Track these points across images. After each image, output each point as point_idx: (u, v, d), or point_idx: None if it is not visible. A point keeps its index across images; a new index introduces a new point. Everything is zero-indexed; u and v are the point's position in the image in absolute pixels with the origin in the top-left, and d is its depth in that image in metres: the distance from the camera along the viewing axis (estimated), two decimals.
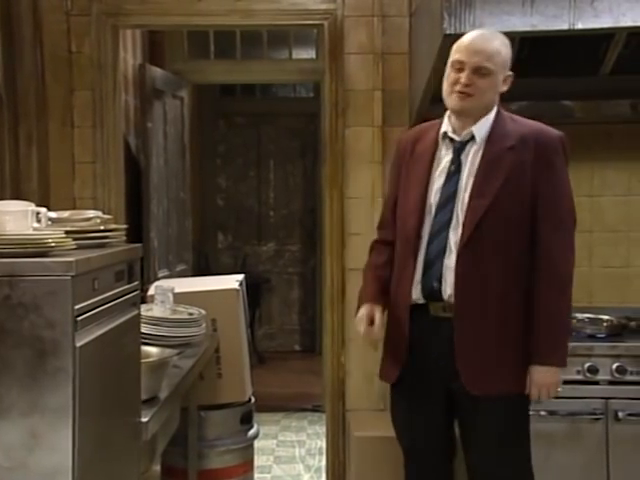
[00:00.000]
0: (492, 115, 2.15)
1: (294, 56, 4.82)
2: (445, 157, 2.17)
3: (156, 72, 4.14)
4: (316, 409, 4.78)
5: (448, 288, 2.09)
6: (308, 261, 6.82)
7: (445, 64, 2.74)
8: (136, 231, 3.89)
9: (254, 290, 6.21)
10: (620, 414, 2.61)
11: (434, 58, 2.74)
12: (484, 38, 2.11)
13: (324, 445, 3.58)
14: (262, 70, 4.80)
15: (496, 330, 2.08)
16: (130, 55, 4.02)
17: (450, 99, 2.12)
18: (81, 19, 3.28)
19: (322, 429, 3.92)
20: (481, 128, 2.13)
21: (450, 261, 2.09)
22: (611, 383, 2.64)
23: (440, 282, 2.10)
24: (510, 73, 2.14)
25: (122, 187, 3.41)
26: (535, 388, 2.09)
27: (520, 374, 2.10)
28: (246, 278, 3.00)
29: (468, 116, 2.13)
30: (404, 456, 2.32)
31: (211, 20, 3.34)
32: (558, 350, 2.10)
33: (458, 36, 2.52)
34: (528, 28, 2.49)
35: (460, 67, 2.09)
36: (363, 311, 2.22)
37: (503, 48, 2.11)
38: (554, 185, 2.10)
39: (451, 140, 2.17)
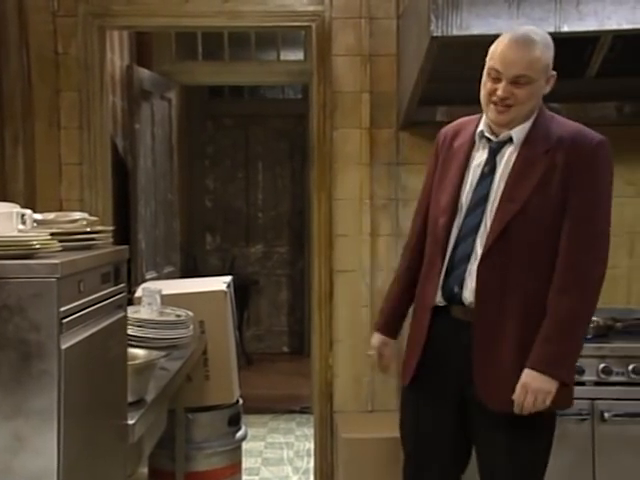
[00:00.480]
0: (533, 117, 2.01)
1: (282, 58, 4.82)
2: (480, 157, 2.05)
3: (144, 73, 4.13)
4: (304, 411, 4.78)
5: (469, 294, 1.99)
6: (296, 263, 6.82)
7: (432, 66, 2.76)
8: (123, 233, 3.88)
9: (242, 292, 6.20)
10: (606, 414, 2.63)
11: (421, 60, 2.75)
12: (522, 44, 1.93)
13: (312, 447, 3.58)
14: (250, 72, 4.80)
15: (516, 345, 1.94)
16: (117, 56, 4.00)
17: (488, 109, 2.00)
18: (67, 20, 3.27)
19: (310, 431, 3.92)
20: (520, 131, 2.00)
21: (474, 267, 1.98)
22: (597, 384, 2.66)
23: (461, 287, 2.00)
24: (553, 73, 1.99)
25: (109, 189, 3.40)
26: (521, 389, 1.91)
27: None
28: (234, 280, 2.99)
29: (509, 126, 2.00)
30: (404, 460, 2.19)
31: (198, 21, 3.34)
32: (560, 362, 1.93)
33: (445, 38, 2.54)
34: None
35: (497, 77, 1.95)
36: (375, 342, 2.22)
37: (543, 52, 1.95)
38: (587, 193, 1.94)
39: (488, 139, 2.04)
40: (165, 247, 4.41)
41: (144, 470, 2.75)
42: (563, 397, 1.96)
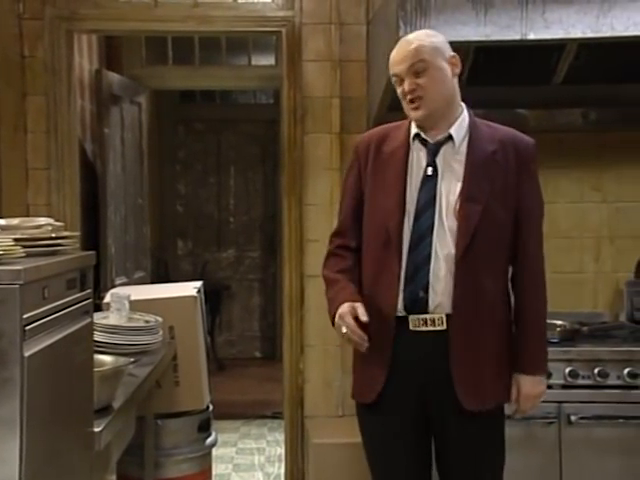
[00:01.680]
0: (466, 117, 2.04)
1: (253, 62, 4.82)
2: (420, 159, 2.04)
3: (113, 77, 4.10)
4: (276, 416, 4.76)
5: (437, 298, 1.96)
6: (268, 267, 6.80)
7: None
8: (93, 238, 3.84)
9: (214, 297, 6.18)
10: (572, 417, 2.66)
11: None
12: (404, 43, 2.03)
13: (283, 452, 3.57)
14: (221, 76, 4.79)
15: (492, 342, 1.99)
16: (86, 60, 3.97)
17: (408, 111, 2.02)
18: (34, 23, 3.23)
19: (282, 436, 3.90)
20: (458, 130, 2.02)
21: (437, 270, 1.96)
22: (564, 387, 2.69)
23: (427, 291, 1.96)
24: (452, 54, 2.01)
25: (77, 194, 3.37)
26: (525, 400, 2.02)
27: (508, 385, 2.03)
28: (206, 285, 2.98)
29: (437, 121, 2.01)
30: None
31: (168, 26, 3.32)
32: (544, 359, 2.06)
33: None
34: (482, 38, 2.53)
35: (399, 80, 2.01)
36: (345, 308, 1.94)
37: (426, 39, 2.00)
38: (532, 192, 2.05)
39: (424, 142, 2.03)
40: (135, 252, 4.38)
41: (112, 477, 2.72)
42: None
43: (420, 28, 2.54)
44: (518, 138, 2.06)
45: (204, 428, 2.82)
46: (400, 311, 1.99)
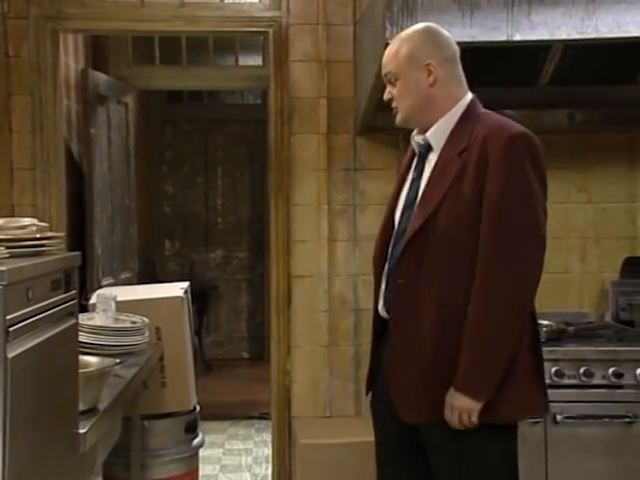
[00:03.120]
0: (455, 117, 1.94)
1: (240, 63, 4.81)
2: (415, 163, 2.04)
3: (99, 77, 4.08)
4: (263, 417, 4.76)
5: None
6: (256, 268, 6.80)
7: None
8: (79, 238, 3.82)
9: (202, 297, 6.17)
10: (558, 417, 2.67)
11: (377, 67, 2.76)
12: (389, 46, 2.00)
13: (271, 453, 3.57)
14: (208, 76, 4.78)
15: (433, 351, 1.86)
16: (72, 60, 3.95)
17: None
18: (19, 22, 3.21)
19: (269, 437, 3.90)
20: (436, 133, 1.95)
21: None
22: (550, 387, 2.67)
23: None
24: (427, 62, 1.92)
25: (63, 194, 3.35)
26: (447, 410, 1.85)
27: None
28: (193, 285, 2.97)
29: (416, 126, 2.00)
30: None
31: (154, 26, 3.31)
32: (475, 379, 1.82)
33: None
34: (468, 39, 2.53)
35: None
36: None
37: (403, 44, 1.94)
38: (498, 192, 1.81)
39: (418, 144, 2.02)
40: (122, 253, 4.36)
41: (98, 479, 2.71)
42: (515, 406, 1.88)
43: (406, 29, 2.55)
44: (495, 130, 1.87)
45: (191, 429, 2.82)
46: (384, 314, 2.00)
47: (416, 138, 2.02)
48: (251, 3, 3.34)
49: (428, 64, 1.93)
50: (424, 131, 1.98)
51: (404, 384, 1.90)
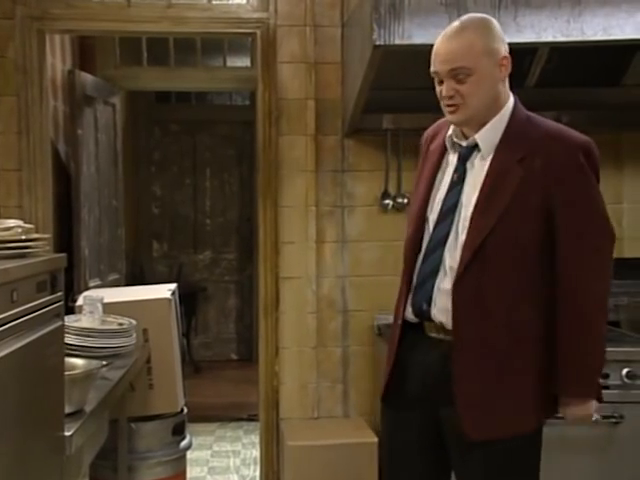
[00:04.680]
0: (506, 116, 1.83)
1: (229, 64, 4.81)
2: (451, 163, 1.90)
3: (86, 78, 4.06)
4: (252, 418, 4.75)
5: (437, 313, 1.86)
6: (245, 269, 6.79)
7: (375, 74, 2.79)
8: (66, 240, 3.80)
9: (190, 299, 6.15)
10: None
11: (365, 68, 2.78)
12: (450, 36, 1.80)
13: (259, 455, 3.56)
14: (196, 78, 4.77)
15: (501, 366, 1.80)
16: (59, 60, 3.93)
17: (446, 114, 1.86)
18: (4, 22, 3.19)
19: (257, 439, 3.89)
20: (486, 135, 1.83)
21: (443, 283, 1.85)
22: None
23: (429, 304, 1.87)
24: (503, 54, 1.80)
25: (50, 195, 3.33)
26: (568, 418, 1.89)
27: (526, 413, 1.83)
28: (182, 287, 2.97)
29: (474, 125, 1.85)
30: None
31: (141, 27, 3.30)
32: (583, 383, 1.83)
33: (387, 47, 2.58)
34: None
35: (439, 79, 1.83)
36: None
37: (477, 35, 1.78)
38: (571, 201, 1.77)
39: (458, 145, 1.89)
40: (110, 254, 4.34)
41: None
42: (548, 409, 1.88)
43: (395, 31, 2.55)
44: (556, 140, 1.80)
45: (178, 431, 2.81)
46: (412, 318, 1.93)
47: (456, 139, 1.89)
48: (239, 4, 3.34)
49: (503, 57, 1.81)
50: (474, 131, 1.84)
51: (471, 397, 1.82)
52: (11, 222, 1.72)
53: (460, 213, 1.84)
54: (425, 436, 1.93)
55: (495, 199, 1.79)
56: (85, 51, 4.40)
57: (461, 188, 1.86)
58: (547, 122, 1.87)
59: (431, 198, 1.91)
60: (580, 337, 1.81)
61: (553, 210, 1.78)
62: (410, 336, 1.93)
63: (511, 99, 1.87)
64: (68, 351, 2.17)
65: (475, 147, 1.86)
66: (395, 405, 1.98)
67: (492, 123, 1.83)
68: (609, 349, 2.72)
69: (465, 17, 1.85)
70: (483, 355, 1.81)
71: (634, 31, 2.53)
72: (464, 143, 1.87)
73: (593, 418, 1.96)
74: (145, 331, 2.70)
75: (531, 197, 1.78)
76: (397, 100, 3.10)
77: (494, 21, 1.85)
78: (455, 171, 1.89)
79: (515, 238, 1.78)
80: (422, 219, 1.91)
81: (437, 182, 1.92)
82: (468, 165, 1.87)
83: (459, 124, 1.87)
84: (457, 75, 1.78)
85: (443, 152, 1.93)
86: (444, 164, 1.92)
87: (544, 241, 1.79)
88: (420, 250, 1.91)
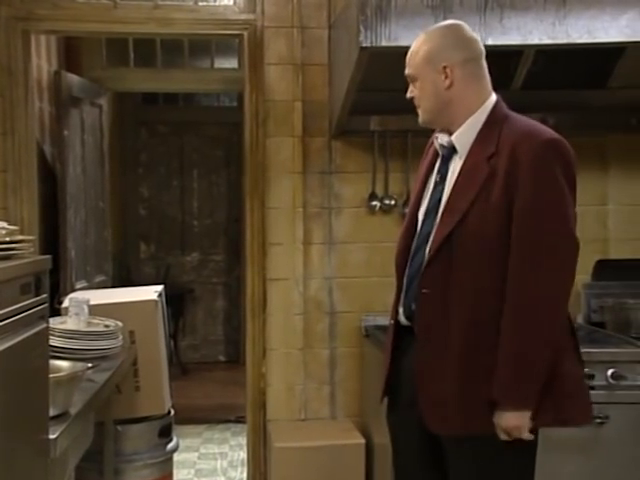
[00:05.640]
0: (482, 118, 1.88)
1: (216, 65, 4.80)
2: (438, 165, 1.98)
3: (72, 79, 4.05)
4: (239, 420, 4.74)
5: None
6: (232, 271, 6.77)
7: (362, 76, 2.80)
8: (52, 241, 3.79)
9: (177, 301, 6.14)
10: None
11: (352, 70, 2.78)
12: (412, 45, 1.94)
13: (246, 457, 3.56)
14: (183, 79, 4.76)
15: (464, 361, 1.80)
16: (44, 61, 3.91)
17: None
18: None
19: (245, 440, 3.89)
20: (462, 136, 1.89)
21: None
22: None
23: (417, 304, 1.89)
24: (444, 64, 1.86)
25: (35, 197, 3.31)
26: (499, 432, 1.79)
27: (483, 415, 1.80)
28: (169, 288, 2.96)
29: (439, 127, 1.95)
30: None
31: (128, 28, 3.29)
32: (515, 393, 1.76)
33: (374, 49, 2.59)
34: None
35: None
36: None
37: (422, 45, 1.89)
38: (528, 198, 1.76)
39: (442, 146, 1.96)
40: (96, 256, 4.33)
41: None
42: (560, 414, 1.85)
43: (381, 33, 2.57)
44: (526, 135, 1.81)
45: (165, 433, 2.80)
46: (404, 321, 1.94)
47: (440, 140, 1.95)
48: (225, 6, 3.34)
49: (445, 67, 1.87)
50: (449, 133, 1.92)
51: (432, 394, 1.84)
52: None
53: (439, 212, 1.89)
54: (422, 440, 1.93)
55: (462, 195, 1.84)
56: (71, 52, 4.38)
57: (442, 188, 1.91)
58: (522, 120, 1.88)
59: (423, 198, 1.97)
60: (516, 337, 1.75)
61: (512, 207, 1.78)
62: (404, 339, 1.94)
63: (490, 100, 1.91)
64: (53, 353, 2.16)
65: (454, 149, 1.92)
66: (394, 408, 2.01)
67: (467, 124, 1.88)
68: (594, 350, 2.78)
69: (438, 24, 1.97)
70: (443, 352, 1.82)
71: (618, 34, 2.55)
72: (445, 144, 1.93)
73: (524, 435, 1.79)
74: (132, 333, 2.68)
75: (494, 193, 1.79)
76: (384, 102, 3.11)
77: (460, 28, 1.91)
78: (438, 171, 1.95)
79: (480, 233, 1.79)
80: (414, 220, 1.97)
81: (429, 182, 1.98)
82: (449, 166, 1.93)
83: (424, 124, 1.97)
84: (411, 79, 1.93)
85: (435, 155, 2.00)
86: (436, 165, 1.98)
87: (506, 235, 1.78)
88: (409, 252, 1.95)
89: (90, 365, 2.19)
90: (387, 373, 1.99)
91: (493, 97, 1.92)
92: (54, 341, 2.32)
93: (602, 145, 3.41)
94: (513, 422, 1.77)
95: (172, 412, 2.86)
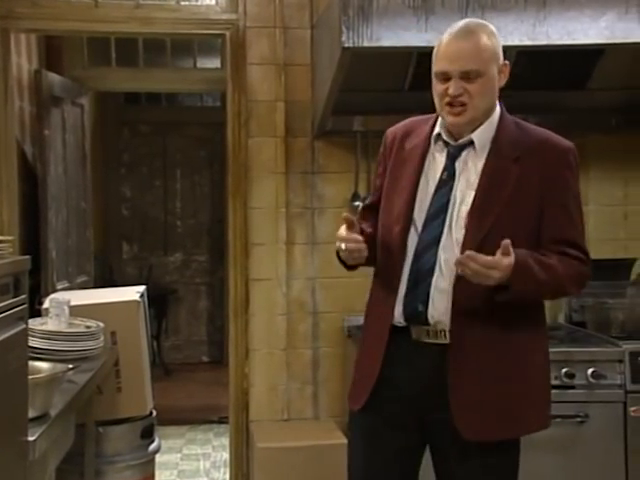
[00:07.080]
0: (495, 118, 1.87)
1: (199, 65, 4.78)
2: (438, 162, 1.89)
3: (53, 78, 4.02)
4: (222, 421, 4.73)
5: (436, 313, 1.82)
6: (216, 271, 6.76)
7: (344, 76, 2.80)
8: (33, 242, 3.76)
9: (160, 301, 6.12)
10: None
11: (334, 70, 2.79)
12: (462, 37, 1.81)
13: (229, 457, 3.55)
14: (166, 78, 4.74)
15: (499, 367, 1.80)
16: (25, 60, 3.88)
17: (444, 114, 1.85)
18: None
19: (228, 441, 3.88)
20: (482, 134, 1.85)
21: (440, 283, 1.81)
22: None
23: (426, 305, 1.82)
24: (505, 62, 1.85)
25: (15, 197, 3.29)
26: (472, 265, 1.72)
27: (518, 419, 1.83)
28: (152, 289, 2.95)
29: (473, 126, 1.85)
30: None
31: (109, 27, 3.27)
32: (522, 280, 1.75)
33: (356, 49, 2.59)
34: (423, 44, 2.55)
35: (445, 77, 1.81)
36: (341, 231, 1.85)
37: (488, 39, 1.82)
38: (558, 205, 1.83)
39: (445, 143, 1.88)
40: (78, 256, 4.30)
41: None
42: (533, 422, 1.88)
43: (363, 34, 2.57)
44: (550, 143, 1.86)
45: (147, 434, 2.79)
46: (399, 322, 1.87)
47: (445, 137, 1.88)
48: (207, 5, 3.33)
49: (504, 64, 1.86)
50: (467, 131, 1.84)
51: (466, 401, 1.80)
52: None
53: (453, 211, 1.83)
54: (407, 449, 1.90)
55: (493, 198, 1.81)
56: (52, 51, 4.34)
57: (451, 187, 1.85)
58: (533, 126, 1.94)
59: (417, 199, 1.88)
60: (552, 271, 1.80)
61: (544, 212, 1.83)
62: (395, 340, 1.87)
63: (497, 103, 1.92)
64: (33, 354, 2.14)
65: (465, 147, 1.86)
66: (379, 414, 1.90)
67: (486, 124, 1.86)
68: (575, 349, 2.81)
69: (468, 20, 1.90)
70: (483, 356, 1.80)
71: (597, 36, 2.57)
72: (454, 142, 1.87)
73: (492, 281, 1.72)
74: (113, 334, 2.67)
75: (527, 196, 1.82)
76: (366, 102, 3.12)
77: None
78: (444, 170, 1.87)
79: (513, 236, 1.75)
80: (409, 218, 1.87)
81: (422, 182, 1.89)
82: (458, 164, 1.86)
83: (461, 125, 1.85)
84: (468, 75, 1.79)
85: (424, 152, 1.91)
86: (427, 164, 1.90)
87: (535, 241, 1.82)
88: (405, 251, 1.87)
89: (71, 366, 2.17)
90: (375, 380, 1.88)
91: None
92: (34, 342, 2.31)
93: (582, 146, 3.36)
94: (497, 277, 1.73)
95: (154, 413, 2.85)
